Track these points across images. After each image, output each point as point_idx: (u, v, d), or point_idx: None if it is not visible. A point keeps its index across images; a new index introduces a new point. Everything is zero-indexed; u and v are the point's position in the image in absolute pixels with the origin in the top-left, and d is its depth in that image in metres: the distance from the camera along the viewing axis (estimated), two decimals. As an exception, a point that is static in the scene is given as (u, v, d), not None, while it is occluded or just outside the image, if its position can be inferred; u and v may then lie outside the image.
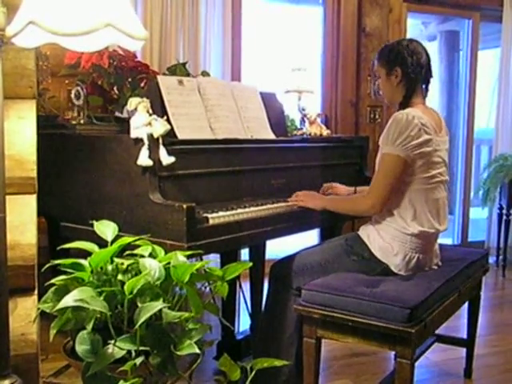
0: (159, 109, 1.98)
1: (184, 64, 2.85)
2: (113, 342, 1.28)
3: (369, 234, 2.07)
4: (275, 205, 2.09)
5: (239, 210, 1.92)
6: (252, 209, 1.97)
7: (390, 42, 2.28)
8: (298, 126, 3.09)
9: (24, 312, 1.83)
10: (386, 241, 2.02)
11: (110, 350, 1.26)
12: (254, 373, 1.43)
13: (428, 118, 2.02)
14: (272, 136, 2.45)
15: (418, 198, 2.01)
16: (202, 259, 2.00)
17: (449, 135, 2.18)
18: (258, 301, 2.55)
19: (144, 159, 1.76)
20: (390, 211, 2.04)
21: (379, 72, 2.18)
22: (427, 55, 2.13)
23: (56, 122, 2.28)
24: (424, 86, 2.14)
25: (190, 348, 1.30)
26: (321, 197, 2.27)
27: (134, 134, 1.80)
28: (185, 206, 1.68)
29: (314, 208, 2.16)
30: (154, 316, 1.31)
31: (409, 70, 2.08)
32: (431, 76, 2.16)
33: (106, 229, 1.55)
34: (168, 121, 1.89)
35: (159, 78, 2.10)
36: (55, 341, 1.37)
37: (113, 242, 1.49)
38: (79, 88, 2.16)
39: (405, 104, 2.10)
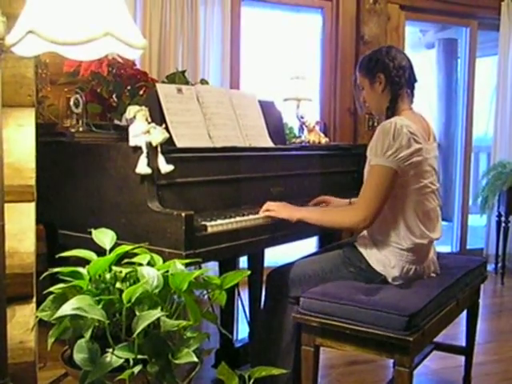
0: (158, 117, 1.99)
1: (183, 72, 2.87)
2: (111, 350, 1.28)
3: (366, 246, 2.03)
4: (274, 213, 2.09)
5: (238, 218, 1.91)
6: (250, 217, 1.97)
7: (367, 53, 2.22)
8: (297, 134, 3.10)
9: (22, 320, 1.82)
10: (383, 254, 2.00)
11: (108, 359, 1.26)
12: (252, 381, 1.43)
13: (416, 125, 1.97)
14: (270, 144, 2.45)
15: (410, 212, 1.97)
16: (200, 267, 2.00)
17: (437, 141, 2.13)
18: (257, 309, 2.54)
19: (143, 167, 1.77)
20: (383, 228, 2.00)
21: (363, 84, 2.14)
22: (408, 60, 2.10)
23: (55, 129, 2.28)
24: (409, 91, 2.10)
25: (188, 356, 1.30)
26: (296, 208, 2.13)
27: (132, 142, 1.80)
28: (183, 214, 1.68)
29: (288, 219, 2.02)
30: (152, 324, 1.31)
31: (391, 73, 2.04)
32: (415, 80, 2.12)
33: (105, 237, 1.55)
34: (167, 129, 1.90)
35: (158, 86, 2.10)
36: (53, 349, 1.37)
37: (111, 250, 1.49)
38: (78, 96, 2.17)
39: (392, 109, 2.05)
